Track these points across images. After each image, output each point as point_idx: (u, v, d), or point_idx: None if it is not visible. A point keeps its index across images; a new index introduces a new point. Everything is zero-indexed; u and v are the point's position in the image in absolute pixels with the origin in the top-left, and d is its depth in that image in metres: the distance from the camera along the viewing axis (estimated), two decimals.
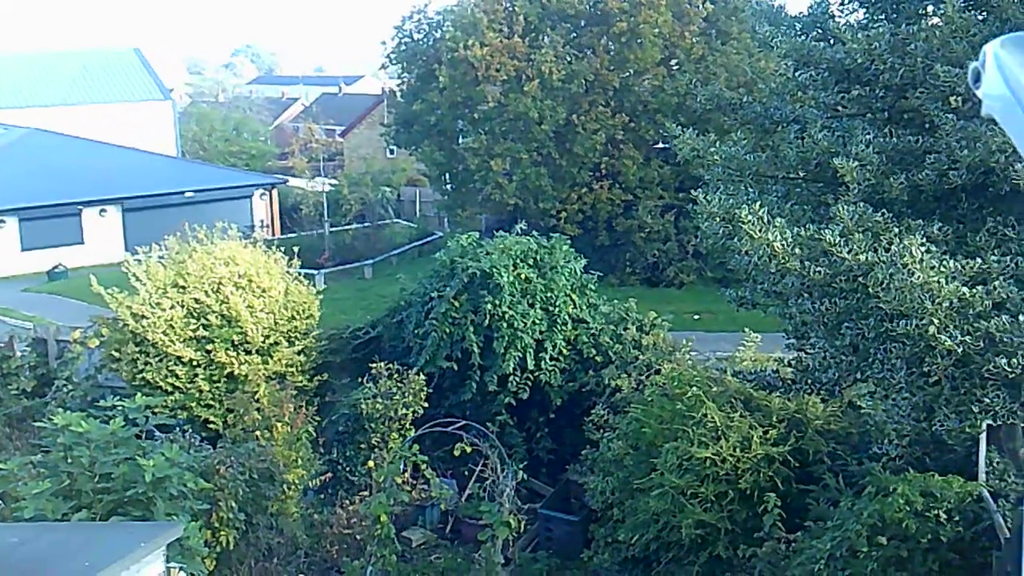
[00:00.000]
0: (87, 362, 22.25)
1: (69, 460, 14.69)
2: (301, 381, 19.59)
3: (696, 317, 29.09)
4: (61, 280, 41.95)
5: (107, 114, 59.96)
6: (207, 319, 19.48)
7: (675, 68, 32.07)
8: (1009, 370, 9.58)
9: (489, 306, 18.13)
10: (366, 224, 44.25)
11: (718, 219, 11.59)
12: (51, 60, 67.18)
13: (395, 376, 17.79)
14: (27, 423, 20.55)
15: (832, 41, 12.21)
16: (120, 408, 16.11)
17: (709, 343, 22.66)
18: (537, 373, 18.28)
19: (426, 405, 17.55)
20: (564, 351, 18.57)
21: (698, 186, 13.06)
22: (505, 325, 18.12)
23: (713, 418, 13.60)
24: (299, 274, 21.61)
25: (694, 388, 14.23)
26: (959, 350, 9.79)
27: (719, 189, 12.65)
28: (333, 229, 43.35)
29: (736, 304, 14.16)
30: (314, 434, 17.28)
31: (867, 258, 10.03)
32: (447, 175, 33.59)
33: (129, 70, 65.55)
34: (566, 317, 18.70)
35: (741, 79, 27.51)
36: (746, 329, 19.22)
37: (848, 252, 10.13)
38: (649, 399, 15.15)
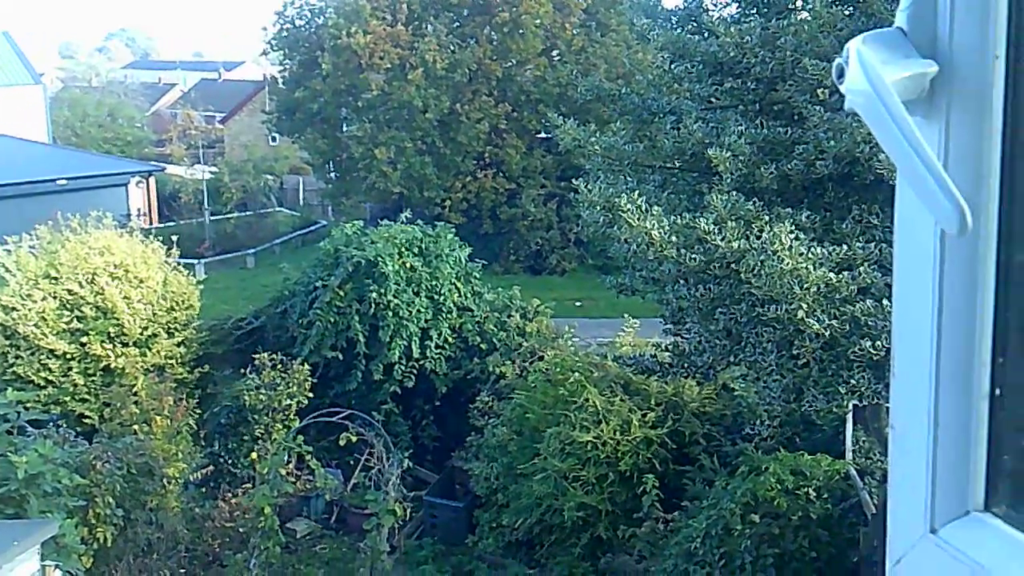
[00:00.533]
0: None
1: None
2: (181, 373, 19.25)
3: (578, 304, 29.52)
4: None
5: None
6: (81, 311, 18.97)
7: (556, 59, 32.41)
8: (874, 352, 10.03)
9: (374, 295, 18.10)
10: (248, 212, 43.53)
11: (598, 208, 11.84)
12: None
13: (279, 367, 17.59)
14: None
15: (706, 35, 12.56)
16: None
17: (590, 329, 23.07)
18: (422, 361, 18.34)
19: (311, 395, 17.42)
20: (449, 339, 18.68)
21: (579, 175, 13.30)
22: (391, 314, 18.13)
23: (594, 402, 13.89)
24: (178, 264, 21.15)
25: (576, 374, 14.50)
26: (826, 333, 10.22)
27: (599, 178, 12.91)
28: (214, 218, 42.49)
29: (616, 291, 14.48)
30: (195, 427, 17.03)
31: (739, 245, 10.38)
32: (331, 163, 33.29)
33: None
34: (451, 305, 18.80)
35: (620, 70, 27.96)
36: (626, 315, 19.64)
37: (721, 240, 10.47)
38: (532, 385, 15.38)
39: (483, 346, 18.59)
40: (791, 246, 10.12)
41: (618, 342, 18.51)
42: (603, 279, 15.14)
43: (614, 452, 13.60)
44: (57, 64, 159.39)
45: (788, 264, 10.04)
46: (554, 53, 32.79)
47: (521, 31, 30.72)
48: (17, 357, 18.61)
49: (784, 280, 10.10)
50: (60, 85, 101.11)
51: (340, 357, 18.32)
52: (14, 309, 18.68)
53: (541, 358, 17.05)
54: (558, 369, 15.12)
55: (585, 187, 11.97)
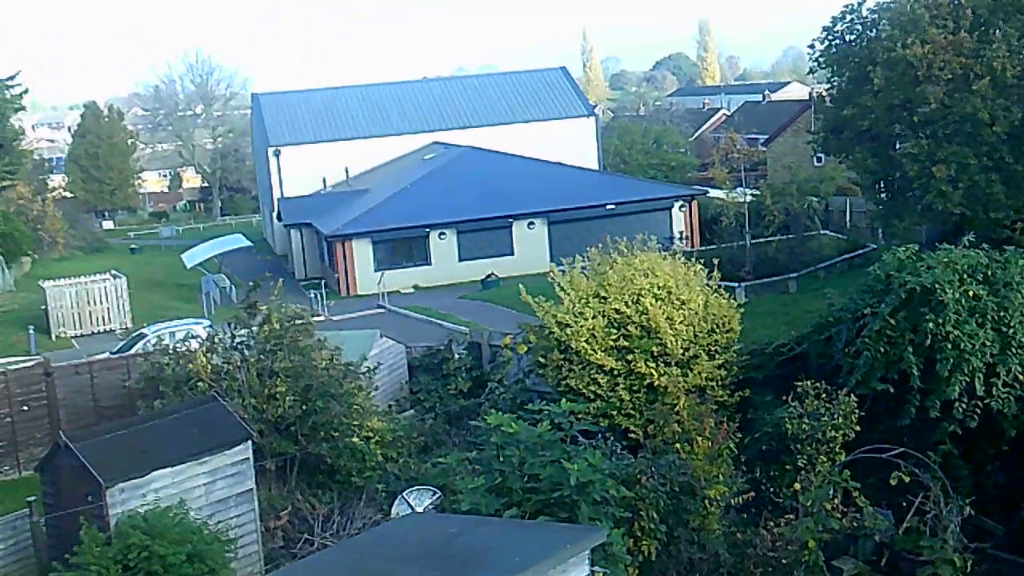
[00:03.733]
0: (516, 367, 23.23)
1: (501, 459, 15.31)
2: (721, 396, 19.15)
3: None
4: (493, 288, 44.53)
5: (536, 131, 63.10)
6: (627, 329, 19.58)
7: None
8: None
9: (931, 325, 16.74)
10: (790, 236, 42.75)
11: None
12: (489, 82, 71.98)
13: (823, 396, 16.82)
14: (464, 421, 21.76)
15: None
16: (547, 412, 16.56)
17: None
18: (987, 400, 16.54)
19: (858, 429, 16.42)
20: (1020, 377, 16.65)
21: None
22: (950, 346, 16.57)
23: None
24: (719, 286, 21.19)
25: None
26: None
27: None
28: (755, 241, 42.34)
29: None
30: (735, 451, 16.77)
31: None
32: (881, 183, 31.55)
33: (557, 89, 68.61)
34: (1023, 340, 16.70)
35: None
36: None
37: None
38: None
39: None
40: None
41: None
42: None
43: None
44: (608, 95, 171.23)
45: None
46: None
47: None
48: (570, 371, 19.62)
49: None
50: (610, 115, 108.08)
51: (891, 390, 17.20)
52: (568, 325, 19.74)
53: None
54: None
55: None
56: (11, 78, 44.00)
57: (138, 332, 33.51)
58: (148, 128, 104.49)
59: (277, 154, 61.52)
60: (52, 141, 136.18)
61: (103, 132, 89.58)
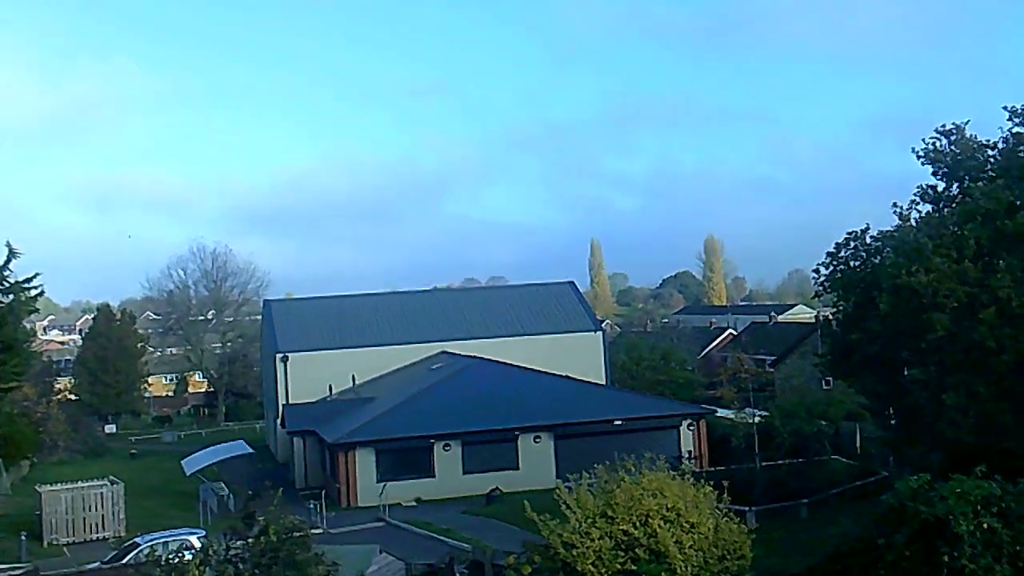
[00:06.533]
0: None
1: None
2: None
3: None
4: (496, 504, 43.61)
5: (543, 344, 63.46)
6: (635, 552, 19.04)
7: None
8: None
9: (946, 558, 16.26)
10: (801, 459, 42.16)
11: None
12: (498, 295, 73.12)
13: None
14: None
15: None
16: None
17: None
18: None
19: None
20: None
21: None
22: None
23: None
24: (729, 510, 20.74)
25: None
26: None
27: None
28: (765, 463, 41.73)
29: None
30: None
31: None
32: (890, 409, 31.39)
33: (565, 303, 69.53)
34: None
35: None
36: None
37: None
38: None
39: None
40: None
41: None
42: None
43: None
44: (615, 310, 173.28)
45: None
46: None
47: None
48: None
49: None
50: (618, 331, 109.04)
51: None
52: (573, 546, 19.18)
53: None
54: None
55: None
56: (28, 280, 44.79)
57: (131, 541, 32.66)
58: (158, 332, 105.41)
59: (285, 360, 61.81)
60: (63, 344, 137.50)
61: (114, 335, 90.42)
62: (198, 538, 29.40)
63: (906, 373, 30.48)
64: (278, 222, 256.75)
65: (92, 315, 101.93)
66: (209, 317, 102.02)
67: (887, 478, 34.69)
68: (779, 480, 39.93)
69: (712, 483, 21.05)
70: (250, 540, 19.46)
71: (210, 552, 19.81)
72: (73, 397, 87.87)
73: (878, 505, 18.93)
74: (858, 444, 48.01)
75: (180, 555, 20.81)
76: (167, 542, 29.06)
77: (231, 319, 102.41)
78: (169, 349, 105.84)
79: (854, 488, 38.06)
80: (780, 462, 42.13)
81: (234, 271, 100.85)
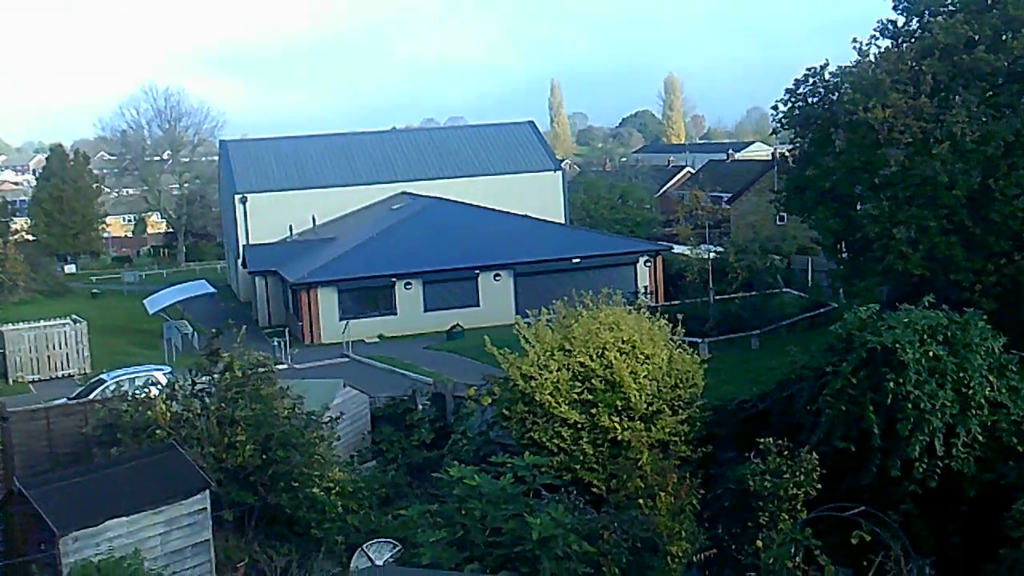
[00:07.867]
0: (480, 418, 23.14)
1: (463, 512, 15.21)
2: (684, 451, 19.14)
3: None
4: (458, 339, 44.45)
5: (503, 184, 63.45)
6: (591, 383, 19.61)
7: None
8: None
9: (892, 384, 16.89)
10: (753, 293, 43.13)
11: None
12: (458, 135, 72.54)
13: (785, 453, 16.82)
14: (426, 473, 21.61)
15: None
16: (510, 465, 16.49)
17: None
18: (947, 460, 16.65)
19: (819, 487, 16.42)
20: (980, 438, 16.85)
21: None
22: (910, 406, 16.71)
23: None
24: (683, 342, 21.29)
25: None
26: None
27: None
28: (719, 297, 42.67)
29: None
30: (698, 507, 16.72)
31: None
32: (842, 243, 31.95)
33: (525, 143, 69.18)
34: (982, 400, 17.01)
35: None
36: None
37: None
38: None
39: (1020, 448, 16.47)
40: None
41: None
42: None
43: None
44: (575, 150, 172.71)
45: None
46: None
47: None
48: (534, 423, 19.60)
49: None
50: (577, 170, 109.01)
51: (852, 449, 17.27)
52: (532, 378, 19.74)
53: None
54: None
55: None
56: None
57: (97, 378, 33.10)
58: (114, 173, 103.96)
59: (244, 201, 61.40)
60: (16, 184, 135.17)
61: (68, 176, 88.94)
62: (164, 374, 29.84)
63: (859, 208, 30.90)
64: (231, 63, 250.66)
65: (45, 155, 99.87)
66: (165, 157, 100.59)
67: (836, 309, 35.62)
68: (732, 313, 40.95)
69: (667, 316, 21.53)
70: (215, 376, 19.77)
71: (176, 387, 20.15)
72: (30, 237, 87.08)
73: (827, 335, 19.43)
74: (809, 278, 49.08)
75: (146, 390, 21.20)
76: (133, 378, 29.52)
77: (187, 160, 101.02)
78: (126, 190, 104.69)
79: (804, 320, 39.16)
80: (733, 296, 43.11)
81: (188, 111, 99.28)
